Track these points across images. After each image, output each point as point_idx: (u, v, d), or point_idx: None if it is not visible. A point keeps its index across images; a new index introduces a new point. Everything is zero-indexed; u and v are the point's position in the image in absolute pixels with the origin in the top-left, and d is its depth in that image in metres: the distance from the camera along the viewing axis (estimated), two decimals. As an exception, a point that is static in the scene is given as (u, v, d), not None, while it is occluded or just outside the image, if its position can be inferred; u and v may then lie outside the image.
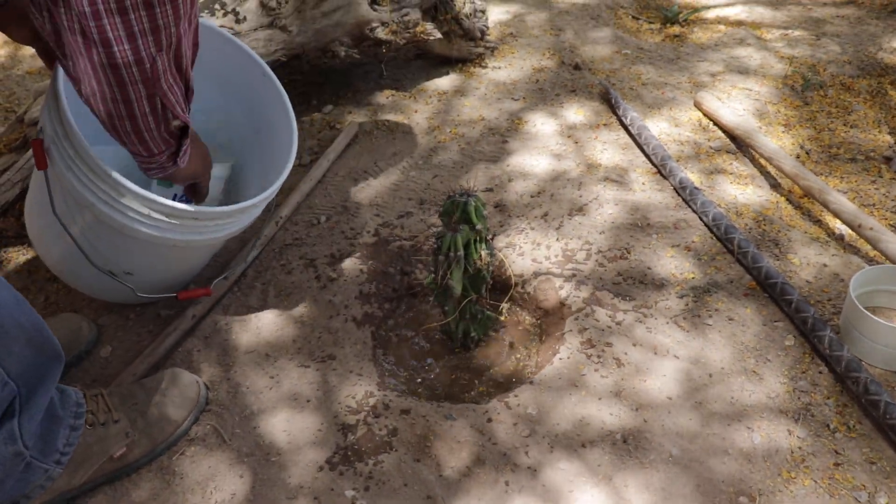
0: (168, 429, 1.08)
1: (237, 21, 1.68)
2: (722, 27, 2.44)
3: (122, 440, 1.03)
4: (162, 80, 0.79)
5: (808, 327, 1.22)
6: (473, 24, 2.14)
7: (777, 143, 1.78)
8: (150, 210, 1.06)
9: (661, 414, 1.12)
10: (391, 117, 1.95)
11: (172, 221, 1.09)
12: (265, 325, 1.31)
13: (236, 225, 1.22)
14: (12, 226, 1.51)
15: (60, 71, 1.02)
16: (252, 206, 1.18)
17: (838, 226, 1.53)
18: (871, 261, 1.43)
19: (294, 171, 1.76)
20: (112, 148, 1.29)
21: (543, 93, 2.04)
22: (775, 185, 1.67)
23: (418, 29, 2.02)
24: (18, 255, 1.48)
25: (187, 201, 1.18)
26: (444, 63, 2.19)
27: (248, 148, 1.44)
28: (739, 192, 1.63)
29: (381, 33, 1.95)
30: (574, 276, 1.40)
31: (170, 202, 1.06)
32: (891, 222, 1.53)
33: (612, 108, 1.94)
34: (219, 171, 1.34)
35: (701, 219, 1.52)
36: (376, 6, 1.94)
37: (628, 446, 1.07)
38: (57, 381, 0.96)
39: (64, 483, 0.99)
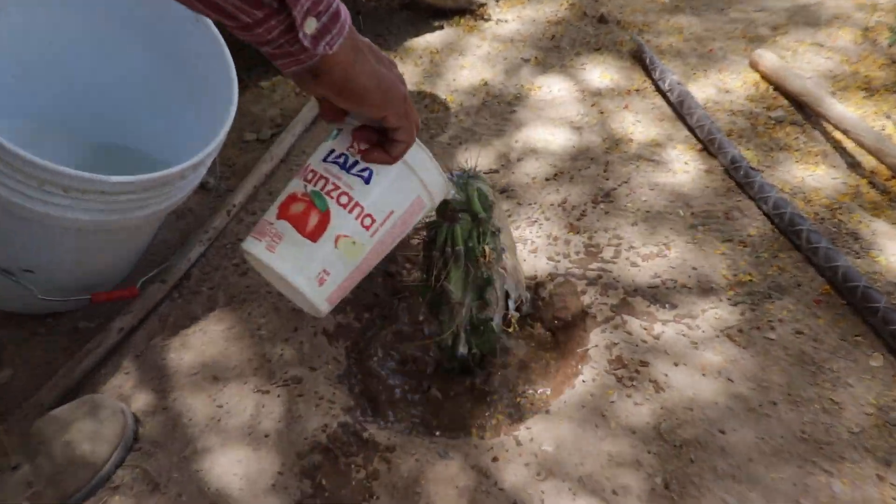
0: (83, 475, 1.06)
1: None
2: (781, -29, 2.44)
3: (22, 491, 1.02)
4: None
5: (899, 342, 1.21)
6: (474, -34, 2.14)
7: (856, 112, 1.78)
8: (42, 177, 1.02)
9: (711, 453, 1.10)
10: (372, 81, 1.93)
11: (72, 195, 1.06)
12: (213, 339, 1.30)
13: (160, 202, 1.20)
14: None
15: None
16: (176, 176, 1.16)
17: (931, 215, 1.50)
18: (973, 258, 1.40)
19: (251, 147, 1.78)
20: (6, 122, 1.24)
21: (560, 51, 2.06)
22: (854, 165, 1.66)
23: (406, -29, 2.03)
24: None
25: (358, 170, 0.78)
26: (436, 15, 2.20)
27: (180, 110, 1.46)
28: (808, 173, 1.63)
29: (360, -24, 1.94)
30: (600, 277, 1.39)
31: (63, 168, 1.01)
32: None
33: (647, 69, 1.96)
34: (430, 176, 0.82)
35: (759, 207, 1.53)
36: (354, -58, 1.91)
37: (671, 493, 1.06)
38: None
39: None
